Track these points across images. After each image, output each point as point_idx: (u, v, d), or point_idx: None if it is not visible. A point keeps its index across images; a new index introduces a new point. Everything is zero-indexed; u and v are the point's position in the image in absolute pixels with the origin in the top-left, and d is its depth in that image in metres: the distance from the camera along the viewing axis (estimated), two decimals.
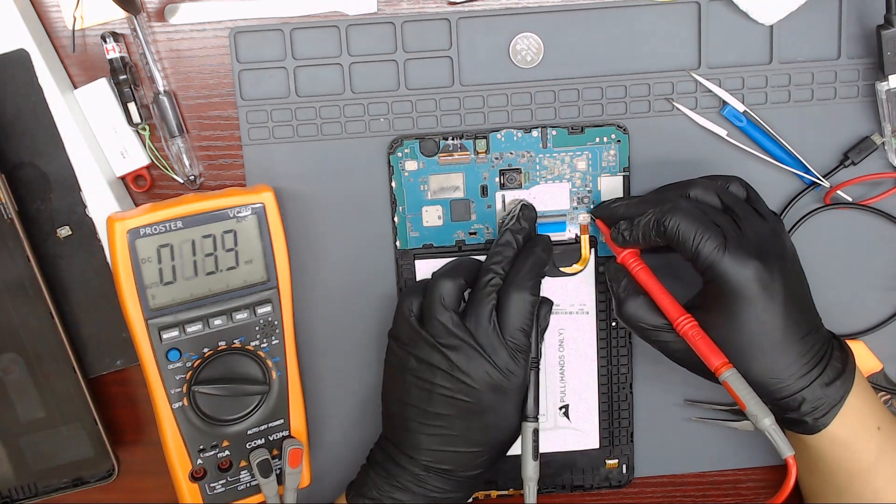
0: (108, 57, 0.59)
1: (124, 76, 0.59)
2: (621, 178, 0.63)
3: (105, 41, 0.59)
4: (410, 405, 0.57)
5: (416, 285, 0.60)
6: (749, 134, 0.63)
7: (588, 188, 0.63)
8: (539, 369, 0.59)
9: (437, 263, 0.62)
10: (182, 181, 0.62)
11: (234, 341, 0.58)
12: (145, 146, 0.61)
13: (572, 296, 0.64)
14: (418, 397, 0.57)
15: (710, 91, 0.62)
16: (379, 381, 0.61)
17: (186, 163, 0.61)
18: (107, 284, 0.60)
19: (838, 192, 0.64)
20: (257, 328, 0.59)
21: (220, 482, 0.60)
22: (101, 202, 0.60)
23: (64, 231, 0.61)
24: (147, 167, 0.62)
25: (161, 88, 0.60)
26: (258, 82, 0.61)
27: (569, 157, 0.62)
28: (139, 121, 0.60)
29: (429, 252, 0.63)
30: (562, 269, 0.64)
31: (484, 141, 0.62)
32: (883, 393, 0.66)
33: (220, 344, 0.58)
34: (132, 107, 0.60)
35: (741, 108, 0.62)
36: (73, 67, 0.61)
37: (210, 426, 0.59)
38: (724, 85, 0.62)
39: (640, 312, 0.57)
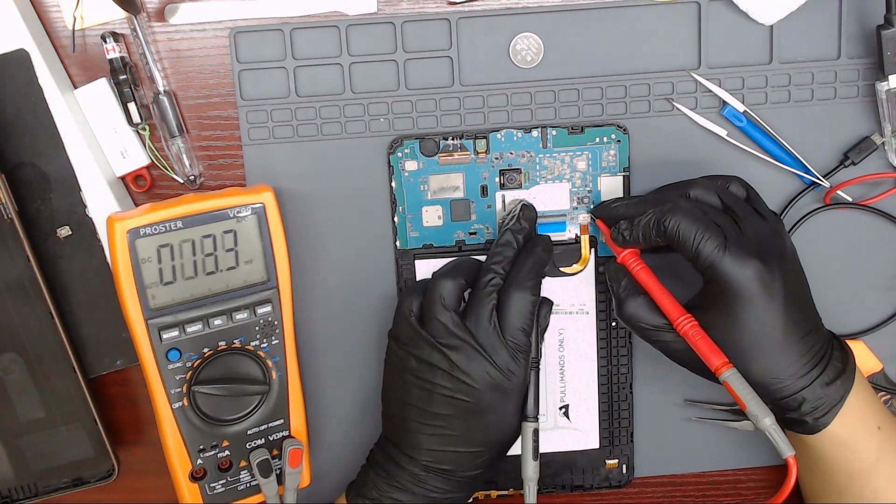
0: (108, 57, 0.59)
1: (124, 76, 0.59)
2: (621, 178, 0.63)
3: (105, 41, 0.59)
4: (410, 405, 0.57)
5: (416, 285, 0.60)
6: (749, 134, 0.63)
7: (588, 188, 0.63)
8: (539, 369, 0.59)
9: (437, 263, 0.62)
10: (182, 181, 0.62)
11: (234, 341, 0.58)
12: (145, 146, 0.61)
13: (572, 296, 0.64)
14: (418, 397, 0.57)
15: (710, 91, 0.62)
16: (379, 381, 0.61)
17: (186, 163, 0.61)
18: (107, 284, 0.60)
19: (838, 192, 0.64)
20: (257, 328, 0.59)
21: (220, 482, 0.60)
22: (101, 202, 0.60)
23: (64, 231, 0.61)
24: (147, 167, 0.62)
25: (161, 88, 0.60)
26: (258, 82, 0.61)
27: (569, 157, 0.62)
28: (139, 121, 0.60)
29: (429, 252, 0.63)
30: (562, 269, 0.64)
31: (484, 141, 0.62)
32: (883, 393, 0.66)
33: (220, 344, 0.58)
34: (132, 107, 0.60)
35: (741, 108, 0.62)
36: (73, 67, 0.61)
37: (210, 426, 0.59)
38: (724, 85, 0.62)
39: (641, 312, 0.57)
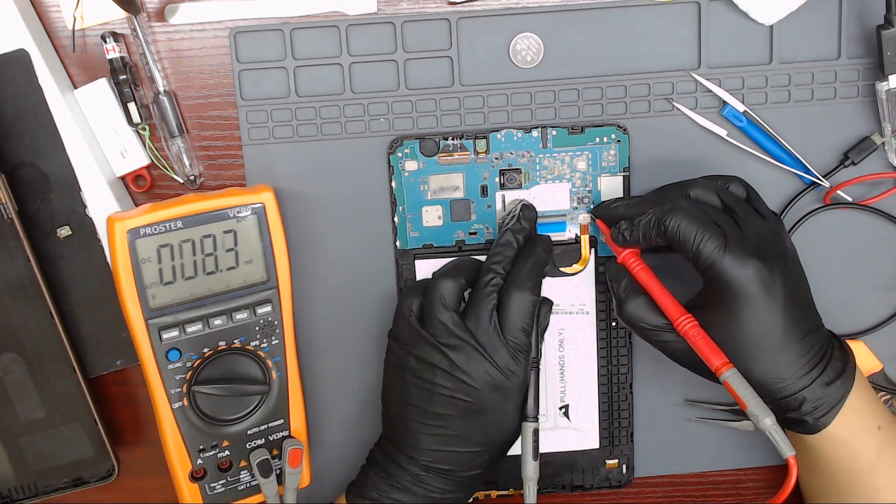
0: (108, 57, 0.59)
1: (124, 76, 0.59)
2: (621, 178, 0.63)
3: (105, 41, 0.59)
4: (410, 405, 0.57)
5: (416, 285, 0.60)
6: (749, 134, 0.63)
7: (588, 188, 0.63)
8: (539, 369, 0.59)
9: (437, 263, 0.62)
10: (182, 181, 0.62)
11: (234, 341, 0.58)
12: (145, 146, 0.61)
13: (572, 296, 0.64)
14: (418, 397, 0.57)
15: (710, 91, 0.62)
16: (379, 381, 0.61)
17: (186, 163, 0.61)
18: (107, 284, 0.60)
19: (838, 192, 0.64)
20: (257, 328, 0.59)
21: (220, 482, 0.60)
22: (101, 202, 0.60)
23: (64, 231, 0.61)
24: (147, 167, 0.62)
25: (161, 88, 0.60)
26: (258, 82, 0.61)
27: (569, 157, 0.62)
28: (139, 121, 0.60)
29: (429, 252, 0.63)
30: (562, 269, 0.64)
31: (484, 141, 0.62)
32: (883, 393, 0.66)
33: (220, 344, 0.58)
34: (132, 107, 0.60)
35: (741, 108, 0.62)
36: (73, 67, 0.61)
37: (210, 426, 0.58)
38: (724, 85, 0.62)
39: (641, 312, 0.57)
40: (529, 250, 0.59)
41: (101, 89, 0.60)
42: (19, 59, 0.58)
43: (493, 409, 0.57)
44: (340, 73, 0.61)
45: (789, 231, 0.64)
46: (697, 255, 0.53)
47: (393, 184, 0.62)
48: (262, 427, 0.60)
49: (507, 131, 0.62)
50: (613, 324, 0.65)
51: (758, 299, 0.53)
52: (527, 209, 0.61)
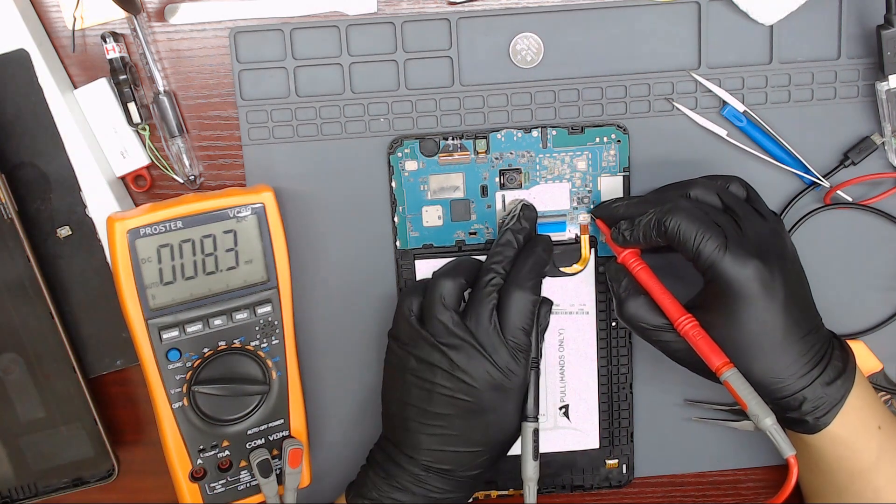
0: (108, 57, 0.59)
1: (124, 76, 0.59)
2: (621, 178, 0.63)
3: (105, 41, 0.59)
4: (410, 405, 0.57)
5: (416, 285, 0.60)
6: (749, 134, 0.63)
7: (588, 188, 0.63)
8: (539, 369, 0.59)
9: (437, 263, 0.62)
10: (182, 181, 0.62)
11: (234, 341, 0.58)
12: (145, 146, 0.61)
13: (572, 296, 0.64)
14: (418, 397, 0.57)
15: (710, 91, 0.62)
16: (379, 381, 0.61)
17: (186, 163, 0.61)
18: (107, 284, 0.60)
19: (838, 192, 0.64)
20: (257, 328, 0.59)
21: (220, 482, 0.60)
22: (101, 202, 0.60)
23: (64, 231, 0.61)
24: (147, 167, 0.62)
25: (161, 88, 0.60)
26: (258, 82, 0.61)
27: (569, 157, 0.62)
28: (139, 121, 0.60)
29: (429, 252, 0.63)
30: (562, 269, 0.64)
31: (484, 141, 0.62)
32: (883, 393, 0.66)
33: (220, 344, 0.58)
34: (132, 107, 0.60)
35: (741, 108, 0.62)
36: (73, 67, 0.61)
37: (210, 426, 0.58)
38: (724, 85, 0.63)
39: (641, 312, 0.57)
40: (529, 250, 0.59)
41: (101, 89, 0.60)
42: (19, 59, 0.58)
43: (493, 409, 0.57)
44: (340, 73, 0.61)
45: (789, 231, 0.64)
46: (698, 255, 0.53)
47: (393, 184, 0.62)
48: (262, 427, 0.60)
49: (507, 131, 0.62)
50: (613, 324, 0.65)
51: (758, 299, 0.53)
52: (527, 209, 0.61)
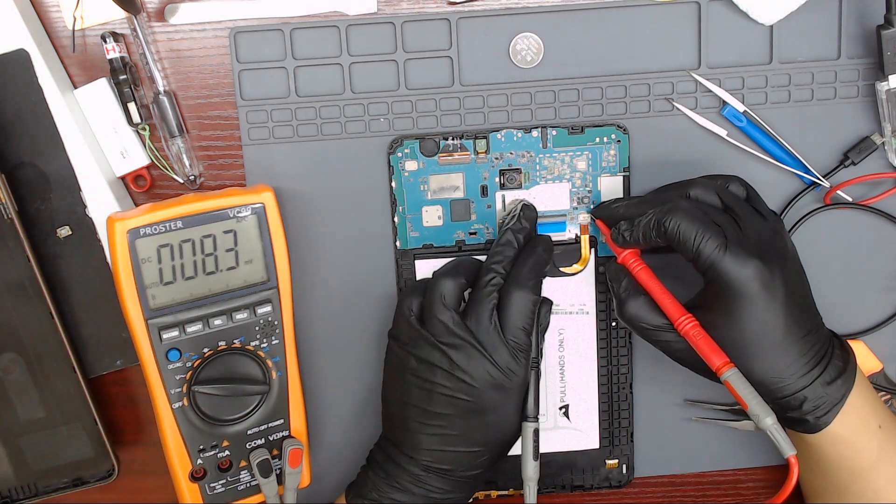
0: (108, 57, 0.59)
1: (124, 76, 0.59)
2: (621, 178, 0.63)
3: (105, 41, 0.59)
4: (410, 405, 0.57)
5: (416, 285, 0.60)
6: (749, 134, 0.63)
7: (588, 188, 0.63)
8: (539, 369, 0.59)
9: (437, 263, 0.62)
10: (182, 181, 0.62)
11: (234, 341, 0.58)
12: (145, 146, 0.61)
13: (572, 296, 0.64)
14: (418, 397, 0.57)
15: (710, 91, 0.62)
16: (379, 381, 0.61)
17: (186, 163, 0.61)
18: (107, 284, 0.60)
19: (838, 192, 0.64)
20: (257, 328, 0.59)
21: (220, 482, 0.60)
22: (101, 202, 0.60)
23: (64, 231, 0.61)
24: (147, 167, 0.62)
25: (161, 88, 0.60)
26: (258, 82, 0.61)
27: (569, 157, 0.62)
28: (139, 121, 0.60)
29: (429, 252, 0.63)
30: (562, 269, 0.64)
31: (484, 141, 0.62)
32: (883, 393, 0.66)
33: (220, 344, 0.58)
34: (132, 107, 0.60)
35: (741, 108, 0.62)
36: (73, 67, 0.61)
37: (210, 426, 0.58)
38: (724, 85, 0.63)
39: (641, 312, 0.57)
40: (530, 250, 0.59)
41: (101, 89, 0.60)
42: (19, 59, 0.58)
43: (493, 409, 0.57)
44: (340, 73, 0.61)
45: (789, 231, 0.64)
46: (697, 255, 0.53)
47: (393, 184, 0.62)
48: (262, 427, 0.60)
49: (507, 131, 0.62)
50: (613, 324, 0.65)
51: (758, 299, 0.53)
52: (527, 209, 0.61)
